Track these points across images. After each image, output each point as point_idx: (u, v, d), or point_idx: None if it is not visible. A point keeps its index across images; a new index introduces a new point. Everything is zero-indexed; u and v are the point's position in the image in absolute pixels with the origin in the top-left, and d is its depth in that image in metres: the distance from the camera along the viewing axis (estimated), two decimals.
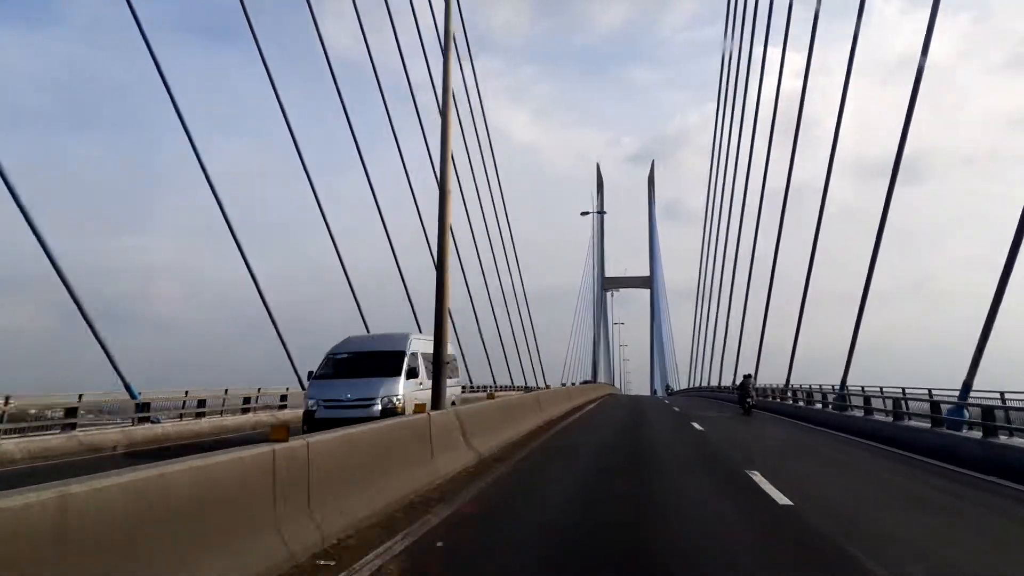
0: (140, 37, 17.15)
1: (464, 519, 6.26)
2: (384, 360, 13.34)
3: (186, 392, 18.69)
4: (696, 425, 18.02)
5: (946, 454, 11.24)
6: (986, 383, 13.87)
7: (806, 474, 9.88)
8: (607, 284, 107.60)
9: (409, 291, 29.88)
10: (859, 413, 18.02)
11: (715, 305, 47.98)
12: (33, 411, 15.38)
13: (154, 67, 17.60)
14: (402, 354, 13.39)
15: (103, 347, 14.94)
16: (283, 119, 22.54)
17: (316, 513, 4.92)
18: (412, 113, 32.85)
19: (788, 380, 28.52)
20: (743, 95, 40.81)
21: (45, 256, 13.74)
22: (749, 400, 24.25)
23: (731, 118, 44.53)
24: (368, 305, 26.06)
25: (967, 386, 13.73)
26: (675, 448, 13.14)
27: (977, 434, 11.33)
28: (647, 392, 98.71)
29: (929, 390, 15.19)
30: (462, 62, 42.62)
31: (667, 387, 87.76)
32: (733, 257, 41.26)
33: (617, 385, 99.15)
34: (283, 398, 21.81)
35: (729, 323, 42.75)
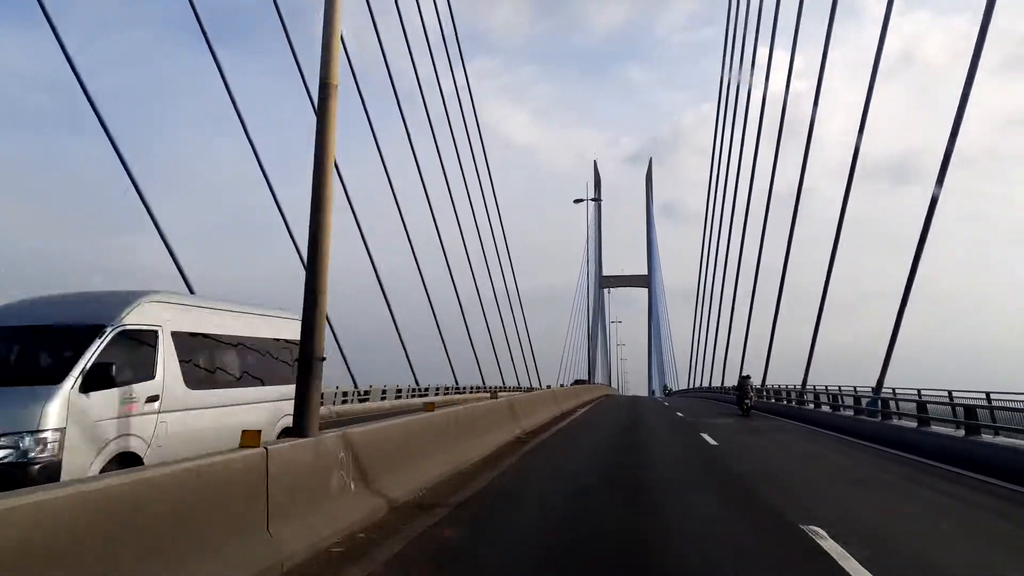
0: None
1: None
2: (54, 346, 6.46)
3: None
4: (708, 438, 14.60)
5: None
6: None
7: (896, 531, 6.40)
8: (605, 282, 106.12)
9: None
10: (910, 423, 14.75)
11: (714, 306, 47.69)
12: None
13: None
14: (93, 334, 6.21)
15: None
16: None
17: None
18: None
19: (804, 381, 25.50)
20: (744, 95, 40.43)
21: None
22: (747, 401, 24.24)
23: (731, 119, 44.05)
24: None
25: None
26: (689, 476, 9.74)
27: None
28: (645, 392, 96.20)
29: None
30: (458, 62, 41.14)
31: (665, 387, 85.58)
32: (733, 258, 40.66)
33: (615, 385, 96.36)
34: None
35: (728, 324, 42.14)
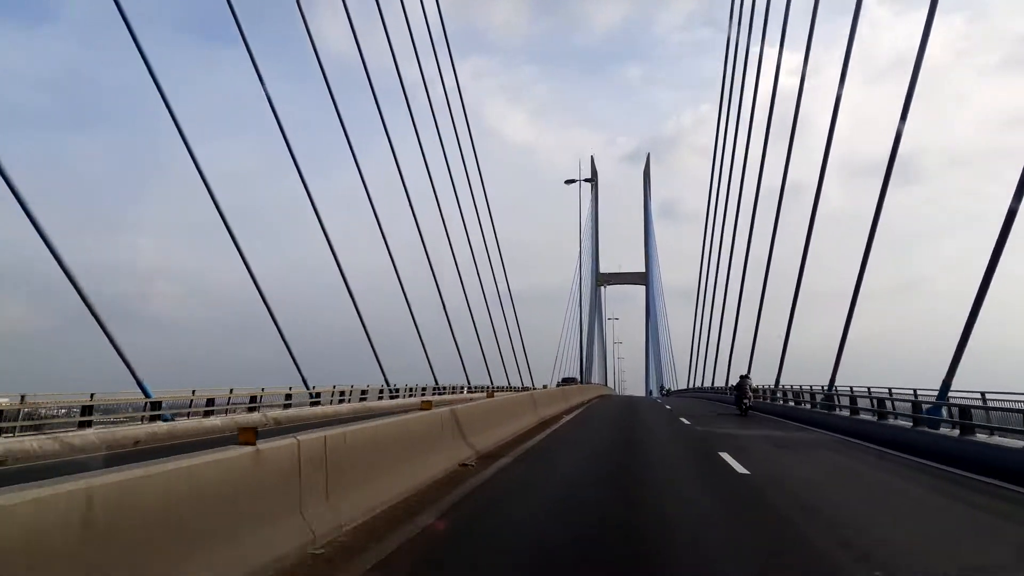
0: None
1: None
2: None
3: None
4: (732, 461, 10.57)
5: None
6: None
7: None
8: (601, 279, 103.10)
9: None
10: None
11: (713, 305, 45.56)
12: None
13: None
14: None
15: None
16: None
17: None
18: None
19: (832, 380, 21.46)
20: (744, 95, 37.77)
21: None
22: (746, 401, 24.41)
23: (730, 118, 41.35)
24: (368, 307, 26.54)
25: None
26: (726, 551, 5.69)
27: None
28: (642, 392, 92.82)
29: None
30: (454, 61, 38.42)
31: (662, 388, 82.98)
32: (734, 256, 38.94)
33: (611, 384, 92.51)
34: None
35: (734, 323, 39.47)
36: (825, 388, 20.54)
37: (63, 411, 16.57)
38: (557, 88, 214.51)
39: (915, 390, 14.56)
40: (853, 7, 20.68)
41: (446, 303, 37.02)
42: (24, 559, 2.62)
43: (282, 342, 22.08)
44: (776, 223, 28.03)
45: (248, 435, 4.42)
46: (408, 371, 37.34)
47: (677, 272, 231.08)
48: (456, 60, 39.14)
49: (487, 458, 10.21)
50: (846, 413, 17.85)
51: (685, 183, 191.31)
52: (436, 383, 37.20)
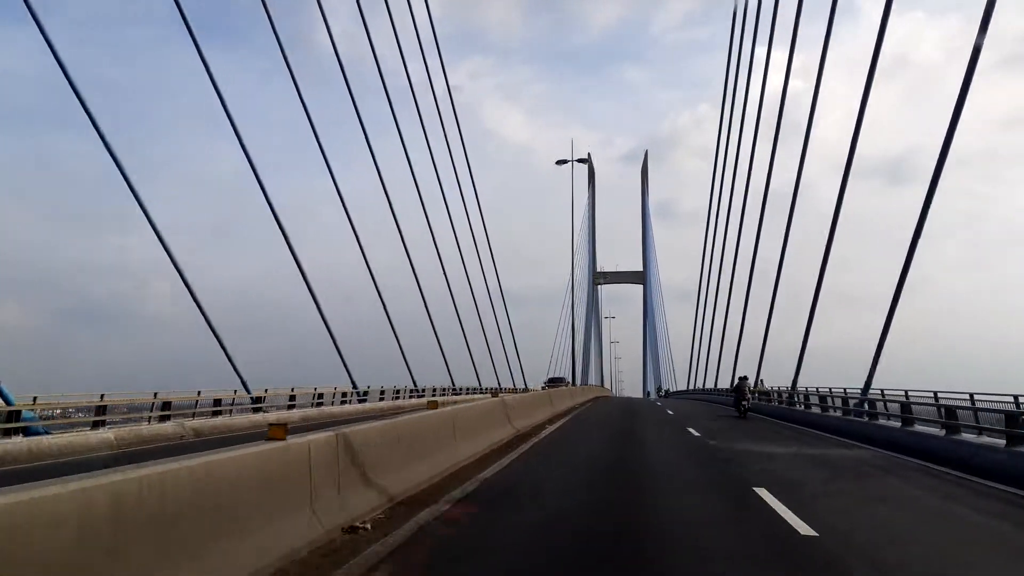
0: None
1: None
2: None
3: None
4: (779, 507, 6.97)
5: None
6: None
7: None
8: (598, 278, 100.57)
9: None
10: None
11: (712, 306, 44.93)
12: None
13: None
14: None
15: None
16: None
17: None
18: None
19: (868, 384, 18.04)
20: (749, 94, 37.39)
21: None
22: (744, 403, 24.37)
23: (737, 115, 39.83)
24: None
25: None
26: None
27: None
28: (640, 393, 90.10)
29: None
30: (449, 64, 37.56)
31: (659, 388, 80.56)
32: (732, 256, 38.16)
33: (608, 385, 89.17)
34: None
35: (726, 324, 39.75)
36: (841, 390, 19.28)
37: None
38: (554, 88, 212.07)
39: (1015, 396, 10.98)
40: (853, 7, 18.17)
41: (428, 302, 34.07)
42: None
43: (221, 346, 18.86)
44: (789, 224, 26.77)
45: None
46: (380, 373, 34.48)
47: (674, 272, 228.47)
48: (453, 60, 38.71)
49: (410, 505, 6.57)
50: (889, 422, 14.39)
51: (683, 183, 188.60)
52: (415, 384, 33.76)
